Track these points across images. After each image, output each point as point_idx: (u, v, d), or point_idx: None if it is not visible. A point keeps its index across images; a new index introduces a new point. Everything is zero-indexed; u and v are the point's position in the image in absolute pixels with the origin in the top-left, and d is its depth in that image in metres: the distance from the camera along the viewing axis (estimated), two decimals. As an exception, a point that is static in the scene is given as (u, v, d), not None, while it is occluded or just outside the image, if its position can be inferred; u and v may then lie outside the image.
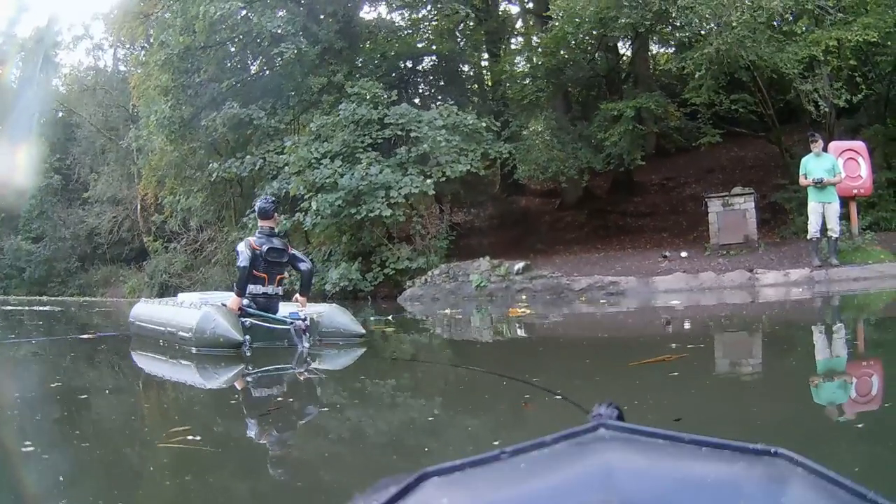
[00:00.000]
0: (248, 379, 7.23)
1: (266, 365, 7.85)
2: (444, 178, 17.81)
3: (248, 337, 8.09)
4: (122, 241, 34.82)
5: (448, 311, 13.46)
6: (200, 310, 8.45)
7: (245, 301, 8.48)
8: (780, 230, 17.00)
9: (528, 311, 12.20)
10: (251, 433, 4.80)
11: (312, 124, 19.05)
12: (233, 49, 22.94)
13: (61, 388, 6.75)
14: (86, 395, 6.39)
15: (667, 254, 15.86)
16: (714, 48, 14.97)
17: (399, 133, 18.28)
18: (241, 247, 8.61)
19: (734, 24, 14.65)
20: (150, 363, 8.73)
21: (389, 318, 13.03)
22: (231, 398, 6.38)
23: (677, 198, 22.21)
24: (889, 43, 16.19)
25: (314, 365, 7.82)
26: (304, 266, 9.00)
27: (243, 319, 8.31)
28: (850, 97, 15.45)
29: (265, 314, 8.51)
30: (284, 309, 8.78)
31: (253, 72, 23.96)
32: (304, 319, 8.40)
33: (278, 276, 8.77)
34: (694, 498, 0.74)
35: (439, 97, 23.81)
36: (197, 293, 11.89)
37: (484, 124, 18.90)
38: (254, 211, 19.80)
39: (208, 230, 26.94)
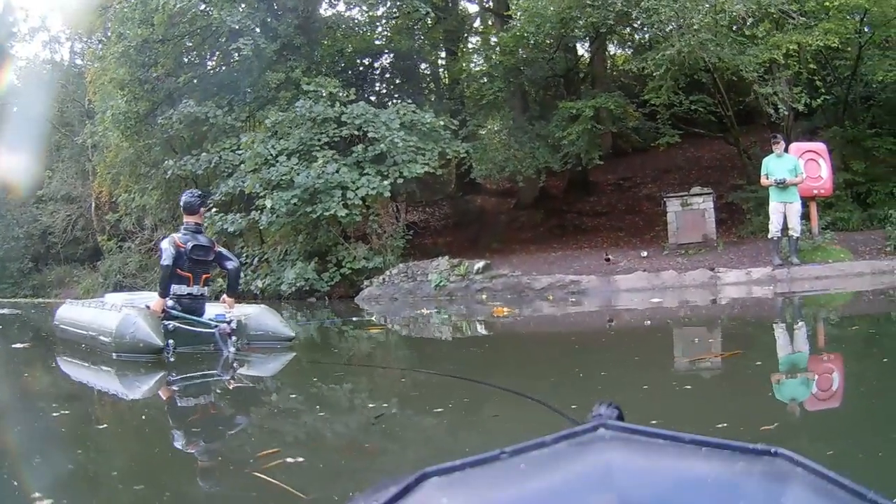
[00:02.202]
0: (175, 388, 6.46)
1: (189, 371, 7.07)
2: (400, 179, 17.12)
3: (171, 341, 7.36)
4: (76, 240, 33.35)
5: (425, 310, 12.67)
6: (120, 312, 7.65)
7: (169, 302, 7.72)
8: (738, 230, 16.72)
9: (514, 311, 11.55)
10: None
11: (268, 120, 18.21)
12: (190, 43, 22.06)
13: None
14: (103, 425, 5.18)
15: (609, 257, 15.34)
16: (676, 50, 14.56)
17: (356, 132, 17.58)
18: (165, 244, 7.80)
19: (696, 26, 14.32)
20: (78, 371, 7.85)
21: (373, 318, 12.39)
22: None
23: (633, 198, 21.81)
24: (849, 48, 16.03)
25: (241, 371, 7.09)
26: (230, 265, 8.25)
27: (166, 322, 7.57)
28: (810, 101, 15.18)
29: (189, 316, 7.75)
30: (212, 310, 8.05)
31: (210, 67, 23.08)
32: (230, 322, 7.70)
33: (204, 276, 8.01)
34: (694, 498, 0.73)
35: (396, 95, 23.15)
36: (123, 294, 11.05)
37: (442, 123, 18.19)
38: (209, 208, 19.35)
39: (163, 229, 25.85)
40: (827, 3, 14.82)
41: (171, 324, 7.61)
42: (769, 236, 13.38)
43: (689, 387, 5.01)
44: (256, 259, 19.39)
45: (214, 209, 18.92)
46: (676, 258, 14.89)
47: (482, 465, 0.81)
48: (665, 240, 16.21)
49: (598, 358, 6.78)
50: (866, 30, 15.77)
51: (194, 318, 7.79)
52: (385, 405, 5.04)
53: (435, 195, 24.68)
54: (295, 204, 16.49)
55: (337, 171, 16.51)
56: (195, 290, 7.89)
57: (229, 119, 19.82)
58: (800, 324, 8.76)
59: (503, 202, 25.01)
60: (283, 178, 16.77)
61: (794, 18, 14.87)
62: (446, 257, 15.98)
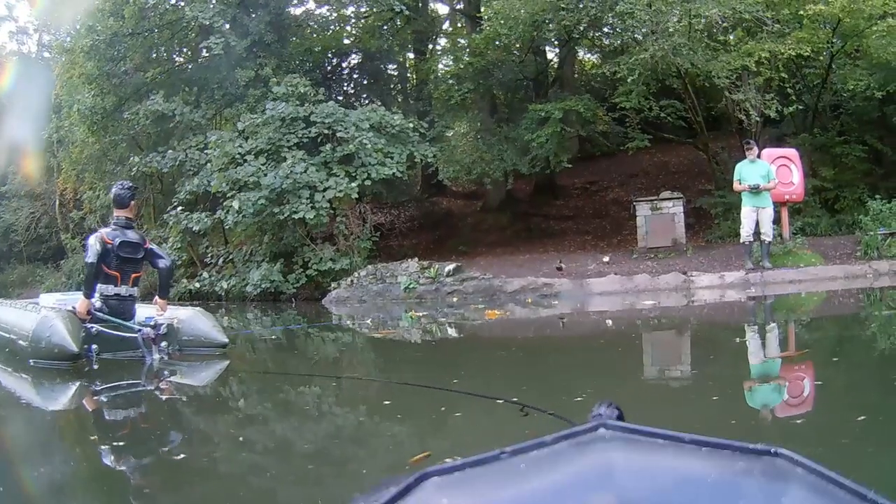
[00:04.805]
0: (103, 399, 5.72)
1: (111, 381, 6.30)
2: (368, 181, 16.32)
3: (94, 346, 6.59)
4: (39, 238, 31.68)
5: (413, 312, 11.83)
6: (40, 313, 6.85)
7: (97, 304, 6.92)
8: (706, 234, 16.28)
9: (506, 314, 10.92)
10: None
11: (240, 124, 17.43)
12: (158, 38, 21.25)
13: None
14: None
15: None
16: (649, 54, 14.07)
17: (325, 132, 16.79)
18: (91, 240, 7.00)
19: (671, 30, 13.90)
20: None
21: (368, 322, 11.62)
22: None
23: (600, 202, 21.31)
24: (821, 57, 15.74)
25: (167, 381, 6.36)
26: (162, 263, 7.41)
27: (89, 326, 6.76)
28: (781, 108, 14.80)
29: (113, 319, 6.91)
30: (142, 313, 7.26)
31: (178, 63, 22.24)
32: (156, 326, 6.90)
33: (133, 275, 7.20)
34: (694, 498, 0.72)
35: (364, 95, 22.47)
36: (58, 294, 10.19)
37: (411, 125, 17.50)
38: (174, 207, 18.59)
39: (127, 228, 24.96)
40: (801, 13, 14.49)
41: (95, 327, 6.81)
42: (741, 240, 12.96)
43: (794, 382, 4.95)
44: (221, 259, 18.60)
45: (180, 208, 18.20)
46: (646, 262, 14.40)
47: (482, 465, 0.79)
48: (633, 244, 15.79)
49: (663, 362, 6.45)
50: (836, 40, 15.43)
51: (119, 321, 6.97)
52: (514, 400, 4.32)
53: (401, 197, 24.01)
54: (262, 204, 15.74)
55: (305, 172, 15.76)
56: (123, 290, 7.09)
57: (196, 116, 19.00)
58: (830, 323, 8.68)
59: (469, 205, 24.38)
60: (251, 178, 15.98)
61: (768, 26, 14.51)
62: (416, 259, 15.30)
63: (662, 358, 6.95)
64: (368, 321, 11.73)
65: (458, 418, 4.36)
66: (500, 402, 4.32)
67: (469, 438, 3.92)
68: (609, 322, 10.23)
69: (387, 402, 5.03)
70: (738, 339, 7.54)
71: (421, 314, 11.57)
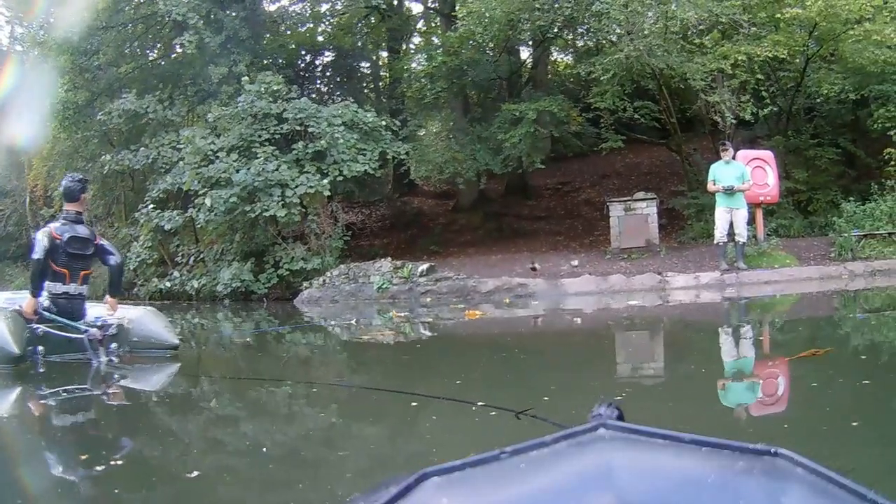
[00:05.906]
0: (48, 404, 5.30)
1: (55, 385, 5.82)
2: (340, 177, 15.92)
3: (40, 348, 6.19)
4: (9, 236, 30.69)
5: (394, 312, 11.39)
6: None
7: (45, 303, 6.49)
8: (678, 235, 16.00)
9: (485, 314, 10.58)
10: None
11: (210, 115, 16.89)
12: (130, 34, 20.67)
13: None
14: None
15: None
16: (624, 54, 13.77)
17: (297, 128, 16.30)
18: (39, 235, 6.60)
19: (646, 31, 13.64)
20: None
21: (354, 322, 11.18)
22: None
23: (572, 202, 20.99)
24: (796, 60, 15.52)
25: (115, 385, 5.94)
26: (113, 260, 6.97)
27: (35, 326, 6.34)
28: (756, 111, 14.60)
29: (61, 319, 6.47)
30: (93, 312, 6.81)
31: (152, 59, 21.65)
32: (103, 327, 6.45)
33: (82, 272, 6.77)
34: (694, 498, 0.71)
35: (337, 93, 22.03)
36: (6, 292, 9.71)
37: (384, 123, 17.09)
38: (145, 205, 18.05)
39: (98, 226, 24.19)
40: (777, 16, 14.31)
41: (40, 328, 6.37)
42: (715, 241, 12.72)
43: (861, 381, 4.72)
44: (192, 258, 18.05)
45: (151, 206, 17.67)
46: (619, 262, 14.10)
47: (482, 464, 0.78)
48: (605, 244, 15.50)
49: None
50: (812, 44, 15.24)
51: (66, 321, 6.52)
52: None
53: (372, 196, 23.61)
54: (234, 203, 15.24)
55: (276, 169, 15.28)
56: (72, 288, 6.65)
57: (169, 114, 18.45)
58: (835, 322, 8.54)
59: (441, 204, 23.96)
60: (223, 175, 15.48)
61: (744, 28, 14.31)
62: (388, 259, 14.88)
63: (665, 358, 6.69)
64: (353, 321, 11.25)
65: (469, 424, 4.06)
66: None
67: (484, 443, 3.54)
68: (604, 322, 10.00)
69: (372, 411, 4.68)
70: (741, 339, 7.37)
71: (401, 314, 11.16)
